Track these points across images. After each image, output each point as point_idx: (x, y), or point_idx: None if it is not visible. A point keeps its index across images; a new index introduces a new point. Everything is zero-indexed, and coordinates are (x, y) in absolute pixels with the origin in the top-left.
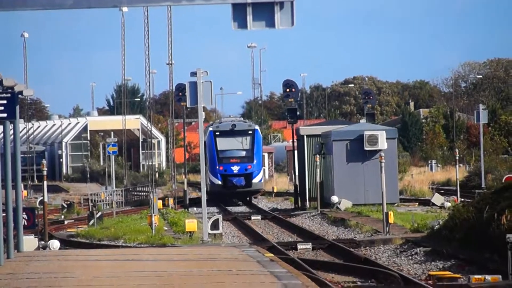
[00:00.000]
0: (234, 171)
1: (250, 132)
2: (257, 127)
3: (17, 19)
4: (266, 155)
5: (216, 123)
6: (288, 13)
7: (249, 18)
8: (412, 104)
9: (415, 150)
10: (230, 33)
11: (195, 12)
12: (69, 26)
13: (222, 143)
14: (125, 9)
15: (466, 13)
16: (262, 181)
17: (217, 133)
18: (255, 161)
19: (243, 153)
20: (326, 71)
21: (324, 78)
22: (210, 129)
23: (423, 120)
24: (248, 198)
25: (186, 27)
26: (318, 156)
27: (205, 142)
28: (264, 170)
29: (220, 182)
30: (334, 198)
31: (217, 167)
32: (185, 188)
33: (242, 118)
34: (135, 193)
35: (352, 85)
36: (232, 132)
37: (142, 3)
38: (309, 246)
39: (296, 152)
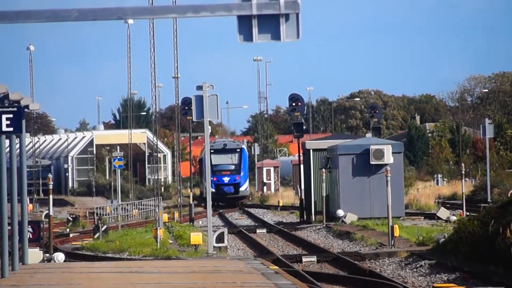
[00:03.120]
0: (225, 181)
1: (238, 150)
2: (244, 146)
3: (23, 32)
4: (272, 169)
5: (211, 143)
6: (294, 25)
7: (255, 30)
8: (418, 118)
9: (421, 164)
10: (236, 47)
11: (201, 25)
12: (74, 40)
13: (216, 159)
14: (130, 21)
15: (472, 26)
16: (248, 189)
17: (211, 151)
18: (242, 173)
19: (232, 167)
20: (332, 84)
21: (330, 92)
22: None
23: (429, 134)
24: (236, 203)
25: (192, 40)
26: (324, 170)
27: (201, 159)
28: (249, 180)
29: (213, 190)
30: (340, 212)
31: (211, 178)
32: (191, 202)
33: (232, 139)
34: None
35: (358, 99)
36: (223, 150)
37: (147, 15)
38: (314, 259)
39: (302, 166)
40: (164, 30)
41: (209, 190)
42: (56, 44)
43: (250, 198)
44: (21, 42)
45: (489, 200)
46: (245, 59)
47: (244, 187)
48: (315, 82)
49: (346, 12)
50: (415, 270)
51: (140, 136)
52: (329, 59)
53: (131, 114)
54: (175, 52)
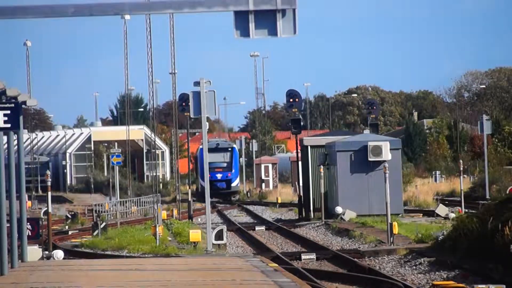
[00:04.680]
0: (218, 177)
1: (229, 149)
2: (234, 146)
3: (20, 29)
4: (270, 165)
5: None
6: (290, 21)
7: (251, 26)
8: (415, 114)
9: (419, 161)
10: (233, 42)
11: (198, 21)
12: (71, 36)
13: (209, 157)
14: (127, 17)
15: (469, 22)
16: (239, 185)
17: None
18: (233, 170)
19: (225, 165)
20: (329, 80)
21: (327, 88)
22: (200, 146)
23: (427, 131)
24: (228, 198)
25: (189, 36)
26: (322, 166)
27: (196, 156)
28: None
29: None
30: (338, 209)
31: None
32: (189, 199)
33: (224, 139)
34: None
35: (355, 95)
36: (216, 149)
37: (144, 10)
38: (313, 256)
39: (300, 162)
40: (161, 25)
41: (207, 188)
42: (53, 40)
43: (249, 195)
44: (18, 38)
45: (487, 196)
46: (243, 55)
47: (235, 183)
48: (312, 78)
49: (343, 8)
50: (414, 267)
51: (137, 133)
52: (326, 55)
53: (129, 110)
54: (172, 48)
